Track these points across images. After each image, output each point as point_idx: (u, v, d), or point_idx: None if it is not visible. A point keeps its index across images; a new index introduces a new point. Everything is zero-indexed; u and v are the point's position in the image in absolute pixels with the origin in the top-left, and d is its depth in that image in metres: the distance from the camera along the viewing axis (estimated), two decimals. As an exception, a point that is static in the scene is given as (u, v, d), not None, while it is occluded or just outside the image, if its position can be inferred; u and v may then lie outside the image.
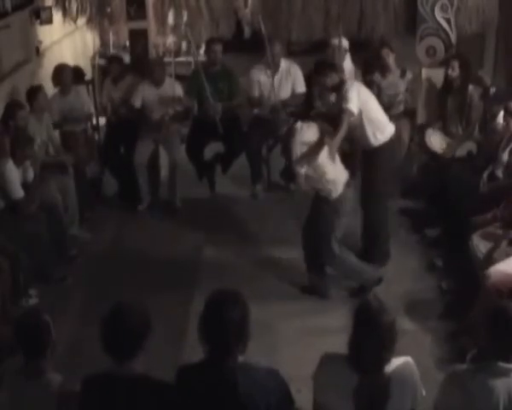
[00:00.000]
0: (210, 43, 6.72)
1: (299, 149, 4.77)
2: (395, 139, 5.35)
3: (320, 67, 5.28)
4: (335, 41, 6.51)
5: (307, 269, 5.15)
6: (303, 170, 4.77)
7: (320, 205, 4.87)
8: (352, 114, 4.86)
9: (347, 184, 4.89)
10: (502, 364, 2.75)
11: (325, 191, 4.82)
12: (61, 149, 6.15)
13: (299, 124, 4.87)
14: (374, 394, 2.72)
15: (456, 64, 6.14)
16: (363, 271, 5.08)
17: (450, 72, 6.17)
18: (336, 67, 5.34)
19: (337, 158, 4.90)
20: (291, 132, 4.85)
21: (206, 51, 6.77)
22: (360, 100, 4.95)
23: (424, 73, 7.04)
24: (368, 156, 5.22)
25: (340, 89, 5.01)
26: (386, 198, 5.37)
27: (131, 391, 2.80)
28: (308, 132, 4.81)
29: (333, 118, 4.93)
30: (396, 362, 2.78)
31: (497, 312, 2.85)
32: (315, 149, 4.75)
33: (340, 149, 4.98)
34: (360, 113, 4.96)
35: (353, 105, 4.86)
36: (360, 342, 2.74)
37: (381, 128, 5.15)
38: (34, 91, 5.95)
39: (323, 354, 2.91)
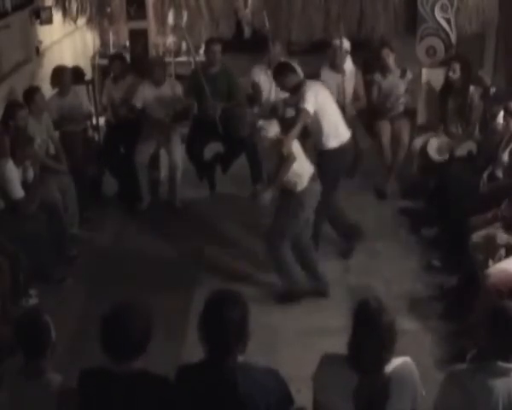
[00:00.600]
0: (209, 43, 6.72)
1: (266, 146, 4.87)
2: (349, 145, 5.44)
3: (280, 68, 5.43)
4: (337, 42, 6.52)
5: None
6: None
7: (285, 198, 4.91)
8: (308, 114, 5.02)
9: (313, 178, 4.91)
10: (501, 363, 2.76)
11: (290, 184, 4.85)
12: (60, 149, 6.15)
13: (260, 122, 4.96)
14: (374, 394, 2.72)
15: (457, 66, 6.15)
16: (294, 276, 5.04)
17: (451, 74, 6.17)
18: (296, 69, 5.42)
19: (301, 151, 4.97)
20: (255, 131, 4.94)
21: (206, 52, 6.76)
22: (318, 102, 5.08)
23: (424, 73, 7.04)
24: (319, 156, 5.31)
25: (298, 89, 5.13)
26: (328, 198, 5.34)
27: (129, 385, 2.80)
28: (270, 129, 4.87)
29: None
30: (396, 362, 2.78)
31: (496, 311, 2.85)
32: (278, 146, 4.81)
33: (305, 145, 5.13)
34: (316, 114, 5.08)
35: (310, 106, 5.02)
36: (360, 342, 2.74)
37: (334, 133, 5.26)
38: (31, 92, 5.94)
39: (323, 355, 2.91)
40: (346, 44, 6.58)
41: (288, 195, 4.87)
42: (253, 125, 5.07)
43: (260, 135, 4.90)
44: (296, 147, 4.89)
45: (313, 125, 5.19)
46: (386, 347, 2.73)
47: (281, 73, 5.37)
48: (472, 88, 6.17)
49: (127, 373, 2.80)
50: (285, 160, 4.76)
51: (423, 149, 6.34)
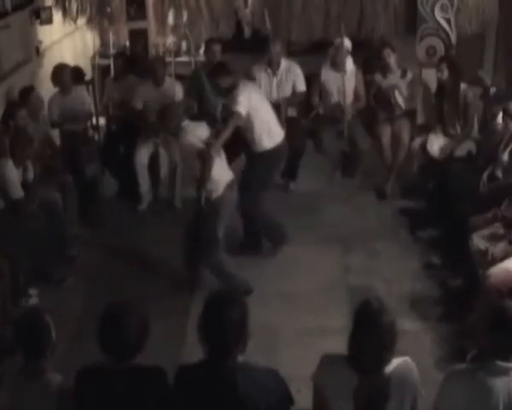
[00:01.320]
0: (209, 43, 6.73)
1: (186, 148, 4.90)
2: (282, 147, 5.46)
3: (215, 70, 5.48)
4: (339, 41, 6.53)
5: (184, 264, 5.19)
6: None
7: (202, 206, 4.92)
8: (239, 116, 5.07)
9: (230, 187, 4.92)
10: (501, 363, 2.75)
11: (207, 191, 4.86)
12: (56, 148, 6.14)
13: (186, 122, 4.97)
14: (374, 394, 2.72)
15: (443, 66, 6.13)
16: (234, 279, 5.02)
17: (439, 75, 6.17)
18: (230, 71, 5.42)
19: (223, 158, 5.00)
20: (179, 131, 4.95)
21: (206, 51, 6.77)
22: (250, 104, 5.12)
23: (424, 73, 7.04)
24: (251, 157, 5.34)
25: (232, 91, 5.17)
26: (259, 198, 5.41)
27: (126, 380, 2.82)
28: (196, 131, 4.90)
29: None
30: (396, 362, 2.78)
31: (496, 311, 2.85)
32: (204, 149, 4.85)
33: (232, 150, 5.18)
34: (249, 115, 5.11)
35: (241, 108, 5.07)
36: (360, 342, 2.74)
37: (267, 134, 5.29)
38: (26, 92, 5.93)
39: (323, 355, 2.91)
40: (348, 44, 6.59)
41: (204, 202, 4.90)
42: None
43: (186, 138, 4.89)
44: (218, 152, 4.94)
45: (246, 127, 5.22)
46: (387, 347, 2.73)
47: (215, 74, 5.40)
48: (464, 86, 6.15)
49: (124, 369, 2.82)
50: (205, 161, 4.79)
51: (423, 147, 6.34)
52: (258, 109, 5.24)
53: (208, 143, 4.87)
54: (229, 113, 5.13)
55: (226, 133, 5.03)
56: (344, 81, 6.46)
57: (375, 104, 6.71)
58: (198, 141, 4.88)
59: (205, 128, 5.01)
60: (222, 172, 4.95)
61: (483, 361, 2.81)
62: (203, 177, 4.83)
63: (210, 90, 6.40)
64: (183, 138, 4.93)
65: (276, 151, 5.39)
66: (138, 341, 2.85)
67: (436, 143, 6.22)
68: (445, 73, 6.12)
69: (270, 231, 5.65)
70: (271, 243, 5.68)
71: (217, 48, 6.58)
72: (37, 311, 3.40)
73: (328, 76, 6.71)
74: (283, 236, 5.66)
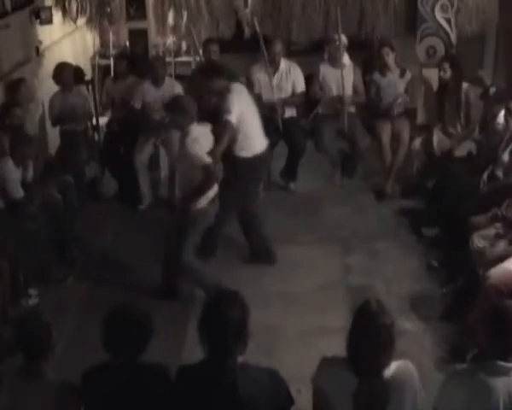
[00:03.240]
0: (206, 43, 6.74)
1: (191, 158, 4.71)
2: (263, 156, 5.35)
3: (206, 70, 5.40)
4: (335, 36, 6.54)
5: (163, 273, 5.11)
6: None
7: (181, 215, 4.85)
8: (232, 127, 4.99)
9: (212, 201, 4.85)
10: (501, 363, 2.75)
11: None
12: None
13: (192, 126, 4.81)
14: (373, 397, 2.72)
15: (446, 65, 6.14)
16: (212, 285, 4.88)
17: (442, 74, 6.16)
18: (223, 72, 5.29)
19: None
20: (185, 133, 4.81)
21: (204, 51, 6.77)
22: (240, 110, 5.05)
23: (424, 73, 7.04)
24: (231, 162, 5.14)
25: (224, 95, 5.08)
26: (238, 205, 5.35)
27: (132, 379, 2.85)
28: (202, 139, 4.77)
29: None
30: (395, 365, 2.77)
31: (496, 311, 2.85)
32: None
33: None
34: (236, 121, 5.04)
35: (233, 116, 4.99)
36: (359, 344, 2.74)
37: (249, 142, 5.19)
38: (15, 83, 5.90)
39: (322, 358, 2.91)
40: (344, 39, 6.59)
41: (184, 211, 4.81)
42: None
43: (193, 148, 4.70)
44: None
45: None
46: (386, 350, 2.72)
47: (206, 75, 5.26)
48: (466, 86, 6.15)
49: (129, 368, 2.85)
50: (208, 175, 4.68)
51: (425, 144, 6.34)
52: (245, 116, 5.14)
53: (212, 161, 4.74)
54: (221, 120, 5.00)
55: (222, 146, 4.92)
56: (343, 75, 6.46)
57: (375, 104, 6.71)
58: (203, 153, 4.71)
59: (209, 134, 4.84)
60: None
61: (483, 361, 2.81)
62: (201, 192, 4.74)
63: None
64: (191, 147, 4.71)
65: (255, 160, 5.25)
66: (144, 339, 2.86)
67: (437, 140, 6.23)
68: (448, 73, 6.12)
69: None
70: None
71: (214, 47, 6.58)
72: (38, 313, 3.40)
73: (326, 72, 6.71)
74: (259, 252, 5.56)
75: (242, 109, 5.11)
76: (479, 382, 2.76)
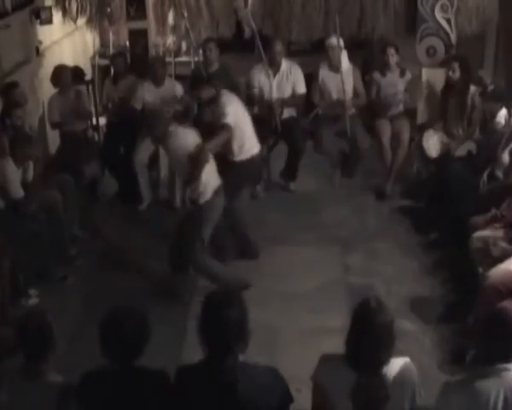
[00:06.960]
0: (205, 42, 6.75)
1: (177, 152, 4.86)
2: (256, 159, 5.46)
3: (195, 82, 5.52)
4: (333, 40, 6.52)
5: (171, 271, 5.14)
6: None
7: (190, 209, 4.91)
8: (230, 130, 5.09)
9: (217, 193, 4.90)
10: (500, 365, 2.75)
11: (195, 194, 4.85)
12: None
13: (173, 127, 4.92)
14: (372, 394, 2.72)
15: (456, 66, 6.13)
16: (227, 277, 5.01)
17: (450, 73, 6.14)
18: (212, 81, 5.44)
19: (212, 163, 4.97)
20: (165, 135, 4.89)
21: (203, 51, 6.78)
22: (234, 112, 5.14)
23: (424, 73, 7.04)
24: (226, 167, 5.25)
25: (216, 101, 5.19)
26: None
27: (130, 384, 2.83)
28: (185, 136, 4.86)
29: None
30: (395, 363, 2.78)
31: (495, 312, 2.85)
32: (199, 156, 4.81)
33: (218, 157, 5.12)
34: (234, 123, 5.12)
35: (231, 119, 5.08)
36: (358, 341, 2.74)
37: (243, 146, 5.29)
38: (8, 87, 5.89)
39: (322, 355, 2.92)
40: (341, 43, 6.58)
41: (192, 206, 4.88)
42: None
43: (175, 143, 4.84)
44: (209, 155, 4.91)
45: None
46: (385, 347, 2.73)
47: (196, 87, 5.42)
48: (473, 88, 6.15)
49: (127, 372, 2.83)
50: (198, 159, 4.76)
51: (418, 144, 6.34)
52: (239, 120, 5.23)
53: (201, 145, 4.84)
54: (218, 124, 5.08)
55: (214, 144, 5.02)
56: (343, 78, 6.46)
57: (375, 103, 6.71)
58: (188, 145, 4.84)
59: (194, 135, 4.95)
60: (211, 177, 4.93)
61: (482, 363, 2.81)
62: (193, 175, 4.78)
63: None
64: (172, 143, 4.88)
65: (248, 163, 5.36)
66: (139, 344, 2.86)
67: (432, 141, 6.21)
68: (457, 73, 6.10)
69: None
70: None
71: (212, 46, 6.58)
72: (39, 313, 3.39)
73: (325, 76, 6.71)
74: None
75: (237, 112, 5.20)
76: (477, 383, 2.75)
